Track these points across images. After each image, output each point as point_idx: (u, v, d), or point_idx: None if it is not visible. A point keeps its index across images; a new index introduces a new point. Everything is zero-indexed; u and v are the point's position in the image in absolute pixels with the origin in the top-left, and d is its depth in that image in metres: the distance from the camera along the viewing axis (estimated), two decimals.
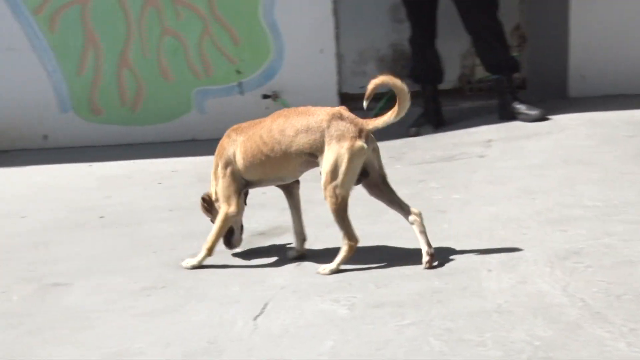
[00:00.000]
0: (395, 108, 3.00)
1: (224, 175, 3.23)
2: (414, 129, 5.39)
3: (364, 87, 3.15)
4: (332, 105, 3.29)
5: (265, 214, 4.10)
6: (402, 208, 3.12)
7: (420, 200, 3.90)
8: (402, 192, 4.09)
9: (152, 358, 2.52)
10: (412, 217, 3.07)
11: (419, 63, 5.47)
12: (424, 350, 2.39)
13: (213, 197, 3.35)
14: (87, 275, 3.36)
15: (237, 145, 3.21)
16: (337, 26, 5.81)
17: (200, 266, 3.32)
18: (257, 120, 3.26)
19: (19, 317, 2.94)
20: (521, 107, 5.33)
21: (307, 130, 3.04)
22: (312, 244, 3.50)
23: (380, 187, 3.12)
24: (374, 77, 3.04)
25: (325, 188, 3.03)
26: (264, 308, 2.86)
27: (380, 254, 3.27)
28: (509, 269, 2.97)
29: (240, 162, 3.20)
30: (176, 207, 4.44)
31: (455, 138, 5.19)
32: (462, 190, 4.09)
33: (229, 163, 3.22)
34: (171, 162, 5.56)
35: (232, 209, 3.22)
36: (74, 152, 5.80)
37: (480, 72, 5.82)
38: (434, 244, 3.10)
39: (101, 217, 4.30)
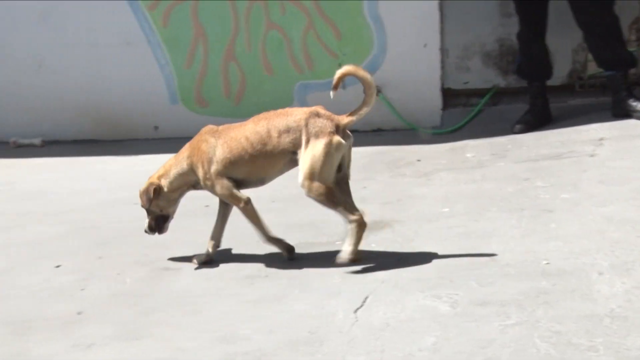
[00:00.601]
0: (365, 99, 3.12)
1: (217, 180, 3.29)
2: (519, 126, 5.27)
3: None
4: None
5: (366, 208, 4.14)
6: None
7: (525, 198, 3.83)
8: (505, 190, 4.04)
9: (257, 344, 2.62)
10: (353, 217, 3.14)
11: (526, 58, 5.34)
12: (529, 351, 2.36)
13: (162, 184, 3.38)
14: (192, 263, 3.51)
15: (218, 146, 3.28)
16: (442, 20, 5.75)
17: (291, 258, 3.34)
18: (235, 124, 3.36)
19: (134, 297, 3.12)
20: (637, 105, 5.11)
21: (288, 130, 3.16)
22: (411, 239, 3.52)
23: (340, 185, 3.19)
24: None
25: (302, 185, 3.13)
26: (364, 301, 2.90)
27: (482, 252, 3.24)
28: (623, 273, 2.87)
29: (222, 162, 3.27)
30: (277, 198, 4.54)
31: (563, 136, 5.04)
32: (571, 190, 3.97)
33: (213, 166, 3.29)
34: None
35: (244, 200, 3.30)
36: (182, 143, 6.02)
37: (593, 68, 5.61)
38: (540, 243, 3.04)
39: (206, 205, 4.46)
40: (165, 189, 3.40)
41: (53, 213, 4.35)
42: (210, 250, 3.45)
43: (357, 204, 4.26)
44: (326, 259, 3.40)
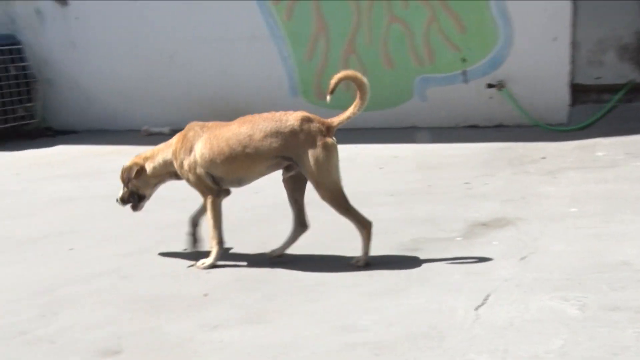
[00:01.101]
0: (357, 101, 3.18)
1: (193, 171, 3.35)
2: None
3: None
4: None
5: (487, 205, 4.05)
6: (300, 213, 3.36)
7: None
8: None
9: (376, 335, 2.62)
10: (299, 226, 3.36)
11: None
12: None
13: (146, 166, 3.46)
14: (313, 250, 3.56)
15: (201, 140, 3.34)
16: (575, 13, 5.52)
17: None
18: (223, 123, 3.39)
19: (255, 283, 3.20)
20: None
21: (277, 134, 3.20)
22: (536, 238, 3.40)
23: (299, 185, 3.32)
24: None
25: (317, 190, 3.20)
26: (485, 299, 2.84)
27: (612, 254, 3.09)
28: None
29: (203, 156, 3.33)
30: (397, 192, 4.53)
31: None
32: None
33: (193, 158, 3.34)
34: (391, 148, 5.69)
35: (213, 194, 3.37)
36: None
37: None
38: None
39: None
40: (148, 172, 3.48)
41: (179, 199, 4.53)
42: (190, 244, 3.54)
43: (477, 200, 4.19)
44: (445, 255, 3.35)
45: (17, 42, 6.18)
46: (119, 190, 3.59)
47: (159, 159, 3.48)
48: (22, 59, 6.18)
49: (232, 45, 6.22)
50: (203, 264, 3.38)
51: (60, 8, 6.29)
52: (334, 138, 3.23)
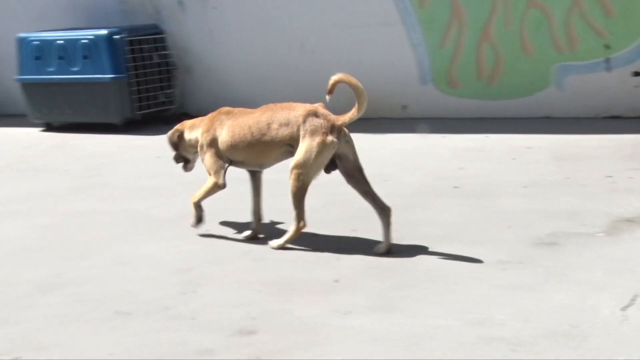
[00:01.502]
0: (356, 105, 3.31)
1: (211, 152, 3.58)
2: None
3: None
4: None
5: (633, 200, 3.82)
6: (375, 200, 3.43)
7: None
8: None
9: (513, 331, 2.53)
10: (381, 211, 3.38)
11: None
12: None
13: (185, 133, 3.74)
14: (445, 241, 3.50)
15: (224, 127, 3.57)
16: None
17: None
18: (247, 110, 3.60)
19: (385, 271, 3.19)
20: None
21: (288, 123, 3.41)
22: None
23: (356, 178, 3.44)
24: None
25: (291, 172, 3.36)
26: (633, 299, 2.67)
27: None
28: None
29: (225, 142, 3.55)
30: (531, 183, 4.37)
31: None
32: None
33: (214, 141, 3.58)
34: (525, 138, 5.49)
35: (220, 181, 3.60)
36: (429, 123, 6.05)
37: None
38: None
39: (455, 187, 4.43)
40: (186, 140, 3.75)
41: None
42: (254, 226, 3.70)
43: (623, 195, 3.96)
44: (586, 251, 3.19)
45: (161, 32, 6.49)
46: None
47: (192, 134, 3.74)
48: (164, 47, 6.49)
49: (361, 32, 6.21)
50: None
51: None
52: (346, 135, 3.39)
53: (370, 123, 6.18)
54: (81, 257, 3.56)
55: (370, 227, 3.74)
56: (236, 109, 3.67)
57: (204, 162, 3.66)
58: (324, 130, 3.33)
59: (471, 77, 6.07)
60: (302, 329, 2.67)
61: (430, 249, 3.42)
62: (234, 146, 3.54)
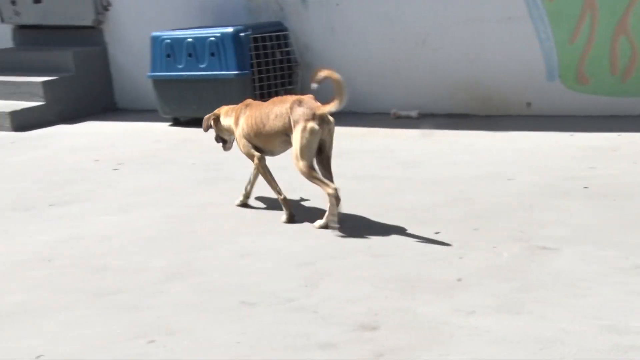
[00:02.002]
0: (337, 99, 3.61)
1: (242, 141, 4.05)
2: None
3: None
4: None
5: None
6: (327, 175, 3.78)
7: None
8: None
9: None
10: (329, 191, 3.68)
11: None
12: None
13: (221, 118, 4.22)
14: (575, 243, 3.35)
15: (243, 118, 4.04)
16: None
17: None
18: (261, 103, 4.06)
19: (510, 272, 3.10)
20: None
21: (280, 115, 3.81)
22: None
23: (323, 165, 3.80)
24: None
25: (293, 161, 3.75)
26: None
27: None
28: None
29: (243, 131, 4.03)
30: None
31: None
32: None
33: (242, 130, 4.04)
34: None
35: (257, 157, 4.01)
36: (556, 121, 5.82)
37: None
38: None
39: (585, 187, 4.23)
40: (221, 123, 4.22)
41: (429, 182, 4.53)
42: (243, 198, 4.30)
43: None
44: None
45: (284, 29, 6.61)
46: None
47: (225, 121, 4.20)
48: (287, 44, 6.60)
49: (485, 27, 6.04)
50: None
51: None
52: (329, 123, 3.74)
53: (492, 120, 6.04)
54: (207, 247, 3.69)
55: (492, 227, 3.65)
56: (254, 102, 4.14)
57: (240, 149, 4.12)
58: (305, 117, 3.70)
59: (603, 73, 5.76)
60: (424, 327, 2.64)
61: (558, 250, 3.28)
62: (248, 135, 4.01)
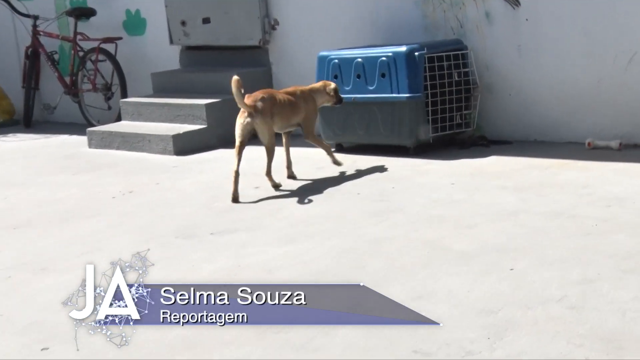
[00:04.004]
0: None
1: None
2: None
3: None
4: None
5: None
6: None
7: None
8: None
9: None
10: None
11: None
12: None
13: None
14: None
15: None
16: None
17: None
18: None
19: None
20: None
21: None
22: None
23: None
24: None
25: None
26: None
27: None
28: None
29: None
30: None
31: None
32: None
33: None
34: None
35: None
36: None
37: None
38: None
39: None
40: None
41: (634, 223, 4.23)
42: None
43: None
44: None
45: (463, 47, 6.48)
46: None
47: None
48: (465, 65, 6.47)
49: None
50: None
51: (511, 10, 6.42)
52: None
53: None
54: (378, 285, 3.64)
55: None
56: (277, 91, 5.80)
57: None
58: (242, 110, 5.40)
59: None
60: None
61: None
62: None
